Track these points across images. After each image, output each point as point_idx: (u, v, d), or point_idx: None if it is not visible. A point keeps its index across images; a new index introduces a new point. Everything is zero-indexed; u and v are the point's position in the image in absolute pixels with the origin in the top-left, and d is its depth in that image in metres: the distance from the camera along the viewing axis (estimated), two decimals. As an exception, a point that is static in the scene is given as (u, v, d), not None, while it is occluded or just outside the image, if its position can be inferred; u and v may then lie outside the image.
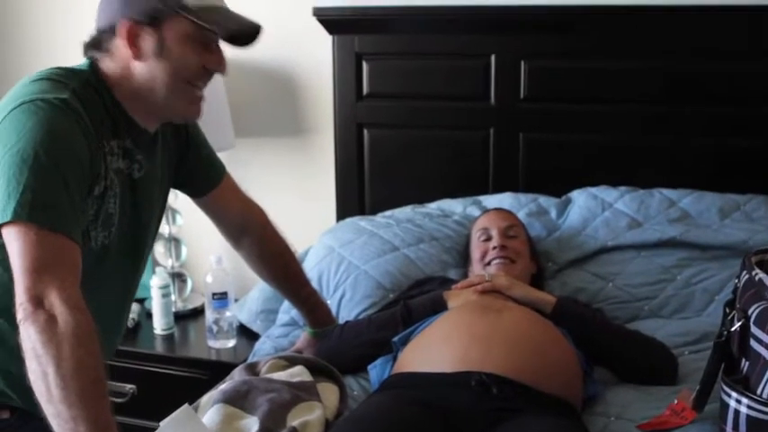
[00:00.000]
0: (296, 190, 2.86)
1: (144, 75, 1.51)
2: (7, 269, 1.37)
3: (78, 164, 1.39)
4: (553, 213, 2.50)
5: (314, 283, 2.27)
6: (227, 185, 1.93)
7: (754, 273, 1.48)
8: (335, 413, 1.62)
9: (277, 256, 2.04)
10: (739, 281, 1.57)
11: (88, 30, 1.57)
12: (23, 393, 1.43)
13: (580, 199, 2.50)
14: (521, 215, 2.41)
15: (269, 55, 2.76)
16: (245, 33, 1.58)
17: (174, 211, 2.80)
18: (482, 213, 2.37)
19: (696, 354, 1.99)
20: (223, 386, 1.60)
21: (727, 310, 1.64)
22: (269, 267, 2.05)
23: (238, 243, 2.01)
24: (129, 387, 2.55)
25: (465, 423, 1.52)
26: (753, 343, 1.39)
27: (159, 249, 2.84)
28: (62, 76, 1.48)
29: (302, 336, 2.14)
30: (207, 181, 1.90)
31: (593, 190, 2.51)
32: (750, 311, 1.41)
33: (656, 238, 2.30)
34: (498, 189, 2.63)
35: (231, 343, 2.57)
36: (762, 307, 1.38)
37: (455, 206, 2.58)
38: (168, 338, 2.69)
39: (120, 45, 1.50)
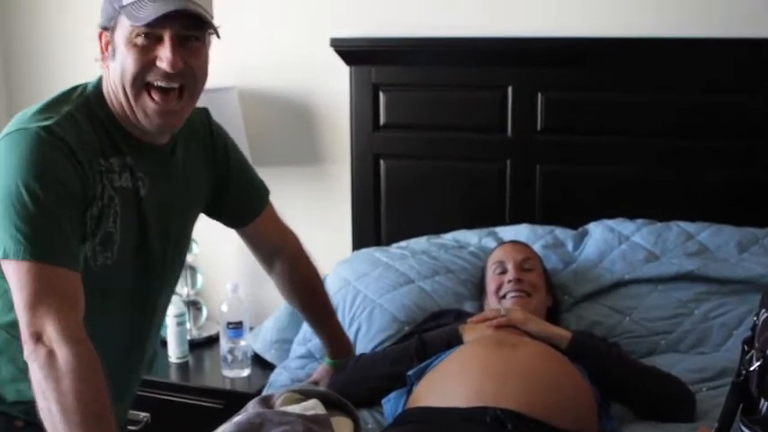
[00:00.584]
0: (312, 219, 2.86)
1: (111, 78, 1.51)
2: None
3: (63, 190, 1.40)
4: (569, 245, 2.49)
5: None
6: (268, 213, 1.94)
7: (773, 311, 1.47)
8: (351, 445, 1.61)
9: (307, 283, 2.05)
10: (758, 318, 1.55)
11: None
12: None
13: (597, 231, 2.49)
14: (537, 247, 2.40)
15: (287, 85, 2.78)
16: (169, 17, 1.43)
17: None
18: (497, 246, 2.37)
19: (714, 390, 1.97)
20: (237, 418, 1.59)
21: (746, 348, 1.63)
22: (298, 293, 2.05)
23: (271, 266, 2.02)
24: (143, 415, 2.54)
25: (479, 459, 1.52)
26: (772, 383, 1.37)
27: (175, 277, 2.84)
28: (59, 100, 1.50)
29: (320, 367, 2.14)
30: (250, 210, 1.90)
31: (610, 222, 2.50)
32: (769, 351, 1.39)
33: (673, 272, 2.28)
34: (514, 220, 2.63)
35: (246, 372, 2.57)
36: (781, 346, 1.37)
37: (470, 237, 2.58)
38: (183, 367, 2.69)
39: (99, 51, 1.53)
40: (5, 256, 1.36)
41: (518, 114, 2.60)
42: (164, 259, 1.66)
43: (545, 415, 1.59)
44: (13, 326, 1.46)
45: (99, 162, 1.48)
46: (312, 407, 1.66)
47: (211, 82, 2.68)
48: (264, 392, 2.19)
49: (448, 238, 2.60)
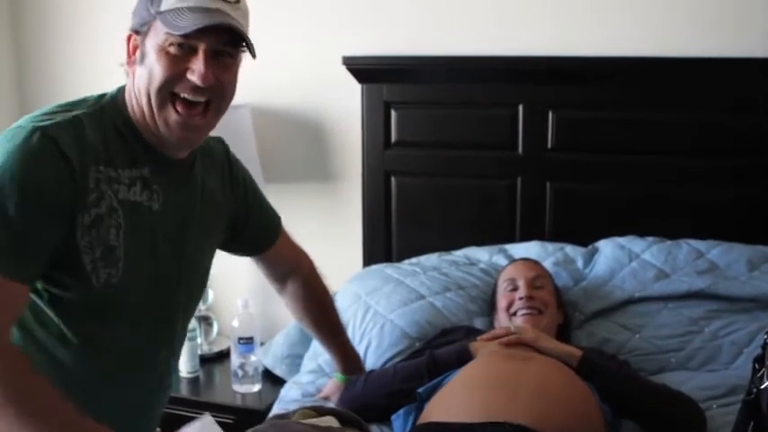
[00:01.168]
0: (323, 236, 2.87)
1: (135, 83, 1.46)
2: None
3: (35, 193, 1.32)
4: (580, 263, 2.50)
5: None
6: (283, 237, 1.94)
7: (784, 329, 1.48)
8: (363, 462, 1.62)
9: (320, 301, 2.06)
10: (768, 337, 1.56)
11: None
12: None
13: (607, 249, 2.50)
14: (547, 264, 2.41)
15: (299, 102, 2.80)
16: (207, 30, 1.39)
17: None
18: (509, 263, 2.38)
19: (724, 408, 1.96)
20: (255, 428, 1.60)
21: (757, 366, 1.63)
22: (311, 312, 2.05)
23: (284, 287, 2.02)
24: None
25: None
26: (783, 401, 1.38)
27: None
28: (72, 104, 1.45)
29: (330, 381, 2.15)
30: (267, 239, 1.90)
31: (620, 240, 2.51)
32: (780, 369, 1.39)
33: (683, 290, 2.29)
34: (525, 238, 2.64)
35: (256, 387, 2.58)
36: (792, 365, 1.37)
37: (481, 254, 2.59)
38: (193, 382, 2.70)
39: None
40: None
41: (529, 132, 2.62)
42: (179, 282, 1.59)
43: (555, 430, 1.59)
44: None
45: (99, 170, 1.40)
46: (326, 422, 1.67)
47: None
48: (275, 407, 2.21)
49: (459, 255, 2.62)
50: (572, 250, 2.54)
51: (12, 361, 1.31)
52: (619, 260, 2.45)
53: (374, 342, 2.29)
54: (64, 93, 1.58)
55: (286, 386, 2.33)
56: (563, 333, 2.22)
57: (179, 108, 1.44)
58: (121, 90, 1.51)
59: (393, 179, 2.75)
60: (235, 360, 2.57)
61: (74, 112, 1.42)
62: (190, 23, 1.37)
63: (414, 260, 2.61)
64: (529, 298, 2.17)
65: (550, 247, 2.54)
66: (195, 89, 1.42)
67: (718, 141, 2.50)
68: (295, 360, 2.53)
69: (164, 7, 1.40)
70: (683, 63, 2.48)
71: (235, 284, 2.93)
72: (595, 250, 2.54)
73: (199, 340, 2.79)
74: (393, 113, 2.71)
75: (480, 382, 1.72)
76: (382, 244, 2.80)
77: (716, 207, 2.53)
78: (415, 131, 2.72)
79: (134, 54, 1.46)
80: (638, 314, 2.30)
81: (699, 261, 2.39)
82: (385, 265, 2.63)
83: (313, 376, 2.32)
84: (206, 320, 2.89)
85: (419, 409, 1.83)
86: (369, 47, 2.70)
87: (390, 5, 2.72)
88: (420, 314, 2.32)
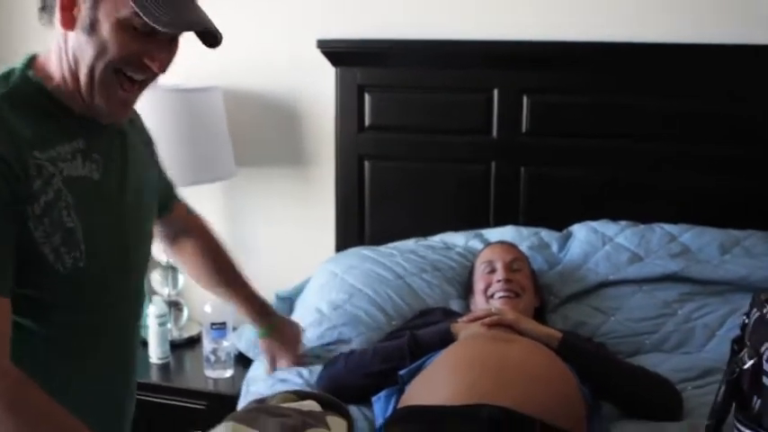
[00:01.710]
0: (296, 220, 2.86)
1: (72, 49, 1.34)
2: None
3: None
4: (554, 247, 2.51)
5: (316, 308, 2.30)
6: (178, 207, 1.89)
7: (765, 311, 1.49)
8: (345, 445, 1.61)
9: (215, 253, 1.98)
10: (748, 318, 1.58)
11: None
12: None
13: (581, 233, 2.52)
14: (522, 248, 2.41)
15: (272, 85, 2.77)
16: (186, 28, 1.35)
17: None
18: (486, 246, 2.38)
19: (699, 389, 1.99)
20: (234, 413, 1.59)
21: (736, 347, 1.65)
22: (207, 265, 1.97)
23: (177, 244, 1.96)
24: (126, 417, 2.52)
25: (476, 457, 1.52)
26: (766, 380, 1.39)
27: (156, 278, 2.82)
28: None
29: (260, 343, 2.16)
30: (170, 200, 1.85)
31: (594, 224, 2.52)
32: (762, 349, 1.41)
33: (657, 273, 2.31)
34: (499, 222, 2.64)
35: (229, 373, 2.55)
36: (774, 345, 1.39)
37: (457, 239, 2.59)
38: (164, 368, 2.67)
39: (57, 11, 1.33)
40: None
41: (503, 117, 2.62)
42: (134, 248, 1.55)
43: (539, 411, 1.60)
44: None
45: (35, 155, 1.31)
46: (308, 406, 1.66)
47: (195, 81, 2.68)
48: (244, 387, 2.18)
49: (435, 239, 2.61)
50: (547, 234, 2.55)
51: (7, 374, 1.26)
52: (593, 244, 2.46)
53: (351, 317, 2.26)
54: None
55: (253, 365, 2.29)
56: (539, 316, 2.22)
57: (125, 86, 1.37)
58: (31, 61, 1.39)
59: (366, 163, 2.74)
60: (207, 345, 2.54)
61: None
62: (174, 19, 1.30)
63: (390, 245, 2.60)
64: (507, 281, 2.17)
65: (525, 231, 2.55)
66: (145, 70, 1.36)
67: (690, 127, 2.52)
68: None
69: None
70: (656, 49, 2.49)
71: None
72: (569, 234, 2.55)
73: (169, 326, 2.75)
74: (367, 97, 2.69)
75: (463, 364, 1.71)
76: (355, 228, 2.79)
77: (688, 191, 2.55)
78: (388, 115, 2.70)
79: (72, 17, 1.32)
80: (613, 297, 2.32)
81: (672, 245, 2.42)
82: (362, 248, 2.61)
83: None
84: (176, 306, 2.85)
85: (400, 392, 1.82)
86: (343, 30, 2.68)
87: (365, -12, 2.70)
88: (397, 293, 2.33)
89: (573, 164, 2.61)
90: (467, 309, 2.29)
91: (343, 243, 2.78)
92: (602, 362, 1.89)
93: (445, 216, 2.70)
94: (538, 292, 2.27)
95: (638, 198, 2.58)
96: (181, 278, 2.85)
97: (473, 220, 2.67)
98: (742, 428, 1.41)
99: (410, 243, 2.60)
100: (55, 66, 1.38)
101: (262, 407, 1.61)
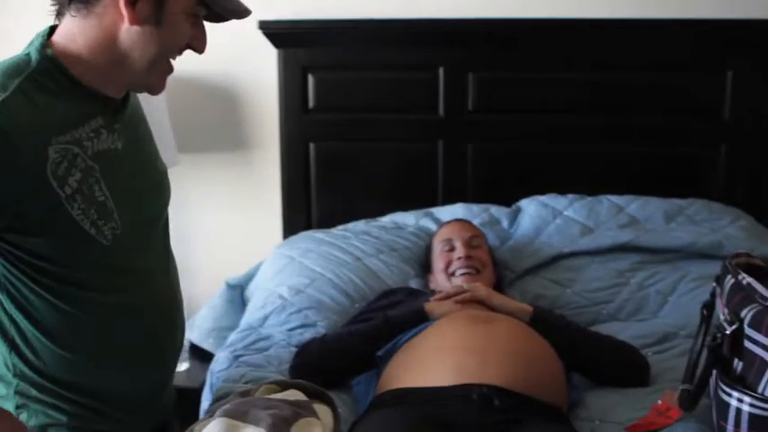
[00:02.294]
0: (240, 206, 2.81)
1: (131, 42, 1.38)
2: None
3: None
4: (505, 223, 2.55)
5: (277, 294, 2.25)
6: None
7: (740, 277, 1.54)
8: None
9: None
10: (720, 284, 1.63)
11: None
12: None
13: (530, 208, 2.55)
14: (474, 225, 2.44)
15: (213, 68, 2.70)
16: (235, 15, 1.48)
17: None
18: (444, 224, 2.39)
19: (659, 354, 2.04)
20: (224, 407, 1.55)
21: (705, 312, 1.71)
22: None
23: None
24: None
25: (469, 437, 1.53)
26: (748, 344, 1.44)
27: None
28: (3, 75, 1.34)
29: None
30: None
31: (543, 198, 2.56)
32: (743, 314, 1.46)
33: (609, 244, 2.37)
34: (447, 201, 2.66)
35: (184, 366, 2.51)
36: (755, 310, 1.44)
37: (408, 219, 2.59)
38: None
39: (109, 6, 1.36)
40: None
41: (449, 94, 2.63)
42: (159, 212, 1.63)
43: (527, 389, 1.62)
44: None
45: (59, 140, 1.34)
46: (293, 395, 1.64)
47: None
48: (208, 381, 2.13)
49: (385, 220, 2.61)
50: (497, 211, 2.57)
51: None
52: (543, 218, 2.50)
53: (313, 301, 2.23)
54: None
55: (216, 358, 2.23)
56: (498, 291, 2.24)
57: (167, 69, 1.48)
58: (45, 43, 1.39)
59: (312, 145, 2.71)
60: (159, 339, 2.47)
61: (11, 86, 1.31)
62: (233, 6, 1.45)
63: (341, 227, 2.58)
64: (467, 257, 2.19)
65: (475, 208, 2.57)
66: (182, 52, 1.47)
67: (632, 100, 2.59)
68: (222, 333, 2.47)
69: None
70: (596, 24, 2.54)
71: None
72: (519, 210, 2.59)
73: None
74: (310, 78, 2.66)
75: (448, 345, 1.71)
76: (302, 212, 2.76)
77: (630, 163, 2.63)
78: (333, 96, 2.68)
79: (135, 11, 1.36)
80: (568, 269, 2.36)
81: (619, 216, 2.48)
82: (313, 231, 2.59)
83: (242, 335, 2.18)
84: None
85: (380, 374, 1.82)
86: (285, 11, 2.63)
87: (306, -31, 2.66)
88: (357, 275, 2.32)
89: (519, 139, 2.64)
90: (426, 288, 2.30)
91: (290, 227, 2.75)
92: (572, 333, 1.92)
93: (393, 196, 2.70)
94: (496, 268, 2.29)
95: (583, 170, 2.63)
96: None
97: (421, 199, 2.67)
98: (727, 389, 1.46)
99: (361, 224, 2.59)
100: (84, 50, 1.39)
101: (251, 400, 1.59)
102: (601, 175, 2.62)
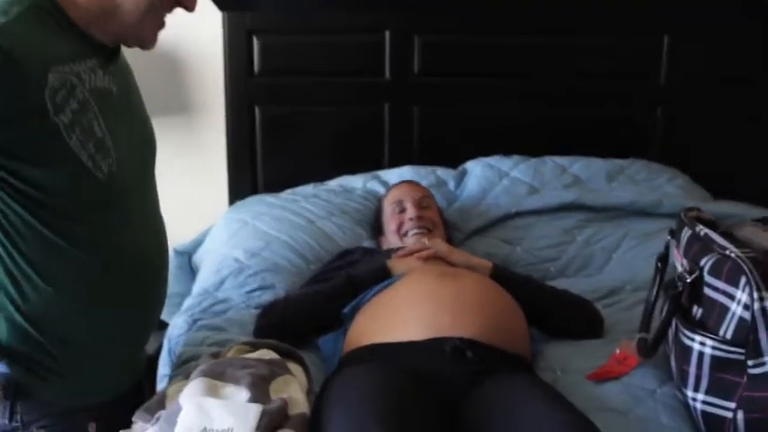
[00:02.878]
0: (185, 173, 2.78)
1: None
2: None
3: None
4: (451, 184, 2.59)
5: (232, 257, 2.24)
6: None
7: (698, 229, 1.62)
8: (307, 390, 1.61)
9: None
10: (676, 237, 1.70)
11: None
12: None
13: (476, 169, 2.60)
14: (422, 187, 2.47)
15: (155, 32, 2.64)
16: None
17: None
18: (393, 186, 2.42)
19: (609, 308, 2.11)
20: (200, 368, 1.55)
21: (659, 264, 1.79)
22: None
23: None
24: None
25: (444, 390, 1.55)
26: (707, 291, 1.51)
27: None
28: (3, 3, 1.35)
29: None
30: None
31: (488, 160, 2.61)
32: (702, 263, 1.53)
33: (555, 203, 2.43)
34: (394, 163, 2.68)
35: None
36: (714, 258, 1.51)
37: (355, 182, 2.61)
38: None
39: None
40: None
41: (395, 58, 2.64)
42: (148, 158, 1.68)
43: (497, 341, 1.66)
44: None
45: (57, 68, 1.36)
46: (266, 354, 1.65)
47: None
48: (165, 346, 2.11)
49: (333, 184, 2.62)
50: (443, 173, 2.61)
51: None
52: (489, 179, 2.56)
53: (270, 262, 2.23)
54: None
55: (173, 324, 2.22)
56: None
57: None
58: None
59: (257, 109, 2.69)
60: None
61: (11, 13, 1.32)
62: None
63: (289, 191, 2.58)
64: (419, 218, 2.22)
65: (422, 170, 2.60)
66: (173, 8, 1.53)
67: (573, 64, 2.65)
68: (172, 299, 2.41)
69: None
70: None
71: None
72: (464, 171, 2.63)
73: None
74: (256, 41, 2.63)
75: (417, 300, 1.73)
76: (248, 177, 2.74)
77: (572, 125, 2.70)
78: (279, 59, 2.67)
79: None
80: (515, 228, 2.42)
81: (563, 176, 2.55)
82: (263, 195, 2.58)
83: (198, 299, 2.18)
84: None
85: (345, 331, 1.84)
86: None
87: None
88: (311, 237, 2.33)
89: (464, 103, 2.68)
90: (379, 249, 2.32)
91: (236, 193, 2.73)
92: (532, 288, 1.97)
93: (340, 160, 2.71)
94: (446, 228, 2.33)
95: (527, 133, 2.69)
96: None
97: (368, 162, 2.69)
98: (689, 334, 1.53)
99: (309, 188, 2.59)
100: (79, 3, 1.42)
101: (227, 360, 1.59)
102: (544, 137, 2.69)
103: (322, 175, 2.65)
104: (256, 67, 2.65)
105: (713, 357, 1.49)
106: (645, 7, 2.60)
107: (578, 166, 2.58)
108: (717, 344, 1.48)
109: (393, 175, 2.60)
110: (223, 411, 1.42)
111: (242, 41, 2.62)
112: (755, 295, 1.41)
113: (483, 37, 2.63)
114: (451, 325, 1.65)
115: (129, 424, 1.51)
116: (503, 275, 1.95)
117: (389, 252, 2.10)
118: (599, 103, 2.67)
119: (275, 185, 2.65)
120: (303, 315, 1.91)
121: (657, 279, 1.78)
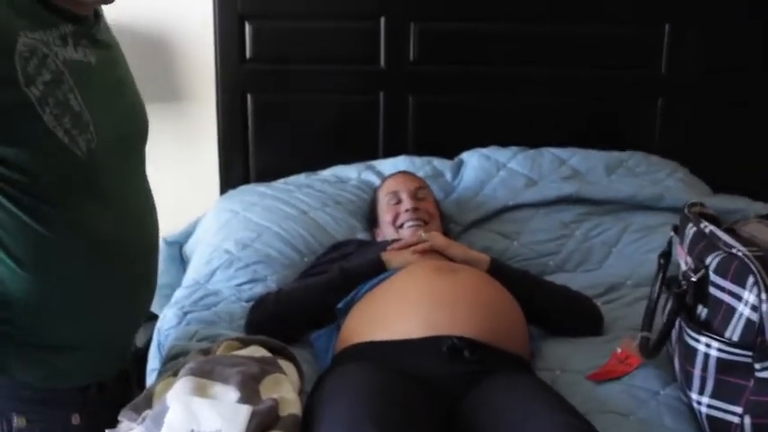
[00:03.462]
0: (176, 161, 2.70)
1: None
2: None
3: None
4: (448, 175, 2.53)
5: (223, 249, 2.19)
6: None
7: (702, 225, 1.57)
8: (299, 389, 1.56)
9: None
10: (680, 234, 1.66)
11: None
12: None
13: (473, 160, 2.55)
14: (418, 178, 2.41)
15: (145, 16, 2.58)
16: None
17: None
18: (388, 177, 2.36)
19: (608, 304, 2.06)
20: (188, 366, 1.49)
21: (662, 261, 1.74)
22: None
23: None
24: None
25: (441, 390, 1.51)
26: (713, 290, 1.47)
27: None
28: None
29: None
30: None
31: (485, 151, 2.56)
32: (708, 261, 1.48)
33: (553, 196, 2.38)
34: (388, 153, 2.63)
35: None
36: (720, 257, 1.46)
37: (349, 172, 2.55)
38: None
39: None
40: None
41: (391, 45, 2.58)
42: (137, 133, 1.62)
43: (495, 339, 1.61)
44: None
45: (28, 35, 1.29)
46: (256, 351, 1.60)
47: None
48: (155, 339, 2.06)
49: (326, 174, 2.56)
50: (440, 163, 2.56)
51: None
52: (486, 170, 2.50)
53: (261, 255, 2.17)
54: None
55: (163, 316, 2.17)
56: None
57: None
58: None
59: (249, 97, 2.63)
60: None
61: None
62: None
63: (282, 180, 2.52)
64: (414, 209, 2.17)
65: (418, 161, 2.55)
66: None
67: (572, 53, 2.59)
68: (162, 290, 2.36)
69: None
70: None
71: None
72: (461, 162, 2.58)
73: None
74: (248, 27, 2.57)
75: (414, 297, 1.68)
76: (240, 166, 2.68)
77: (570, 115, 2.64)
78: (272, 46, 2.60)
79: None
80: (513, 221, 2.37)
81: (562, 168, 2.50)
82: (254, 184, 2.53)
83: (188, 291, 2.13)
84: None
85: (338, 327, 1.79)
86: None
87: None
88: (305, 228, 2.27)
89: (460, 91, 2.63)
90: (374, 240, 2.27)
91: (227, 182, 2.67)
92: (529, 283, 1.92)
93: (333, 149, 2.66)
94: (442, 220, 2.28)
95: (524, 123, 2.63)
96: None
97: (362, 151, 2.64)
98: (694, 335, 1.48)
99: (302, 178, 2.54)
100: None
101: (215, 357, 1.54)
102: (541, 127, 2.63)
103: (315, 165, 2.59)
104: (248, 54, 2.59)
105: (719, 359, 1.44)
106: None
107: (577, 158, 2.53)
108: (723, 346, 1.43)
109: (388, 165, 2.55)
110: (211, 412, 1.37)
111: (234, 27, 2.56)
112: (764, 296, 1.37)
113: (480, 25, 2.57)
114: (449, 323, 1.60)
115: (114, 417, 1.46)
116: (500, 270, 1.90)
117: (384, 244, 2.05)
118: (598, 94, 2.62)
119: (267, 175, 2.59)
120: (295, 310, 1.86)
121: (660, 276, 1.73)
